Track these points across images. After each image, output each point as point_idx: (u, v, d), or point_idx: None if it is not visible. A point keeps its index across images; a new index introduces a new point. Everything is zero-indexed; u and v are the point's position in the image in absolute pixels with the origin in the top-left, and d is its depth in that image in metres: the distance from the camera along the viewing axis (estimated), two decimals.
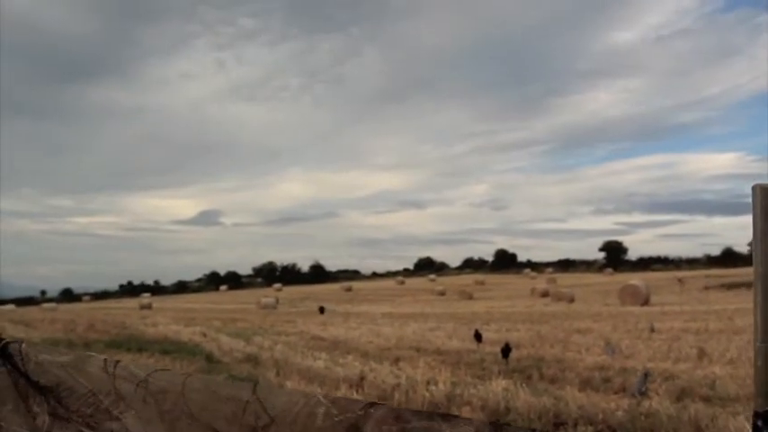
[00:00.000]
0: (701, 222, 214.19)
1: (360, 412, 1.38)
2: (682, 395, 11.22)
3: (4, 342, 2.23)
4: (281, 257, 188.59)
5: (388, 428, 1.33)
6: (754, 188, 1.47)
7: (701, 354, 15.26)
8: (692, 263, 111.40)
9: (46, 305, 72.63)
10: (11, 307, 69.02)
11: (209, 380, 1.69)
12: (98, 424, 1.91)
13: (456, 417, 1.29)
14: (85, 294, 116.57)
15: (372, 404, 1.39)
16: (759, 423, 1.37)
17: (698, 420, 9.34)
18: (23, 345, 2.19)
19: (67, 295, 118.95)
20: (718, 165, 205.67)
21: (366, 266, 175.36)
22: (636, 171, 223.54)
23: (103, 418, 1.89)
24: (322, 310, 39.65)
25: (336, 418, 1.40)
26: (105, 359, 1.92)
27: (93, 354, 2.04)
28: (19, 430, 2.17)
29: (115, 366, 1.89)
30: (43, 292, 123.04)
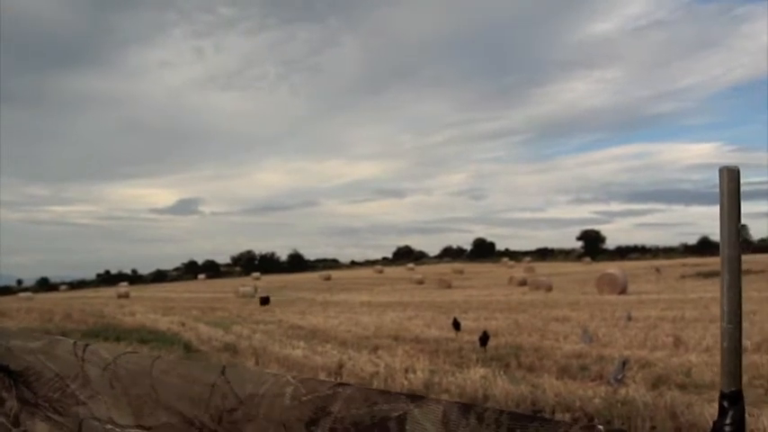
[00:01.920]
0: (678, 212, 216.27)
1: (328, 392, 1.38)
2: (658, 382, 11.31)
3: None
4: (260, 246, 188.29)
5: (357, 408, 1.32)
6: (720, 170, 1.47)
7: (678, 342, 15.39)
8: (668, 252, 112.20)
9: (22, 294, 72.06)
10: None
11: (177, 362, 1.68)
12: (65, 409, 1.89)
13: (424, 398, 1.29)
14: (62, 284, 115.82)
15: (341, 384, 1.39)
16: (725, 403, 1.38)
17: (674, 407, 9.42)
18: None
19: (44, 284, 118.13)
20: (695, 155, 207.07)
21: (345, 255, 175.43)
22: (613, 161, 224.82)
23: (70, 403, 1.87)
24: (265, 300, 36.66)
25: (304, 398, 1.39)
26: (75, 342, 1.90)
27: (63, 338, 2.02)
28: None
29: (84, 350, 1.86)
30: (19, 282, 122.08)
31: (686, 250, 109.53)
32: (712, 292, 36.89)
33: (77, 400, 1.85)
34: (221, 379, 1.54)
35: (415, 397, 1.30)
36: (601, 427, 1.11)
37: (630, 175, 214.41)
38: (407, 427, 1.26)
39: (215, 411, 1.52)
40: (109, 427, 1.75)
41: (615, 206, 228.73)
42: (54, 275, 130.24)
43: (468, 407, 1.23)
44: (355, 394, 1.34)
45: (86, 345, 1.86)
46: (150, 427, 1.66)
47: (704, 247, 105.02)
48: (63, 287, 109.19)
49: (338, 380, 11.99)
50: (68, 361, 1.89)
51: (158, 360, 1.70)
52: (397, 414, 1.28)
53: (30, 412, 2.02)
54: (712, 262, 69.84)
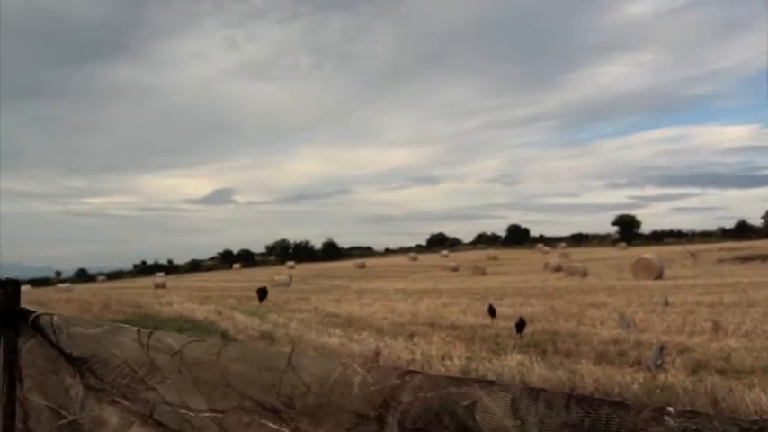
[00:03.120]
0: (714, 195, 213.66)
1: (396, 380, 1.40)
2: (697, 368, 11.23)
3: (35, 315, 2.25)
4: (294, 235, 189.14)
5: (425, 395, 1.34)
6: None
7: (716, 327, 15.24)
8: (705, 236, 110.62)
9: (61, 285, 72.99)
10: (26, 288, 69.18)
11: (244, 350, 1.71)
12: (134, 394, 1.93)
13: (493, 383, 1.31)
14: (100, 274, 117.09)
15: (409, 372, 1.40)
16: None
17: (714, 393, 9.35)
18: (55, 317, 2.21)
19: (82, 275, 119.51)
20: (731, 137, 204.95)
21: (379, 243, 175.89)
22: (649, 144, 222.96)
23: (140, 389, 1.91)
24: (262, 293, 29.40)
25: (373, 387, 1.42)
26: (139, 330, 1.94)
27: (125, 325, 2.06)
28: (54, 402, 2.19)
29: (149, 337, 1.91)
30: (58, 273, 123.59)
31: (723, 234, 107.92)
32: (750, 276, 36.49)
33: (147, 385, 1.89)
34: (289, 366, 1.56)
35: (483, 382, 1.31)
36: (671, 408, 1.12)
37: (666, 159, 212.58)
38: (477, 415, 1.28)
39: (286, 397, 1.55)
40: (182, 411, 1.79)
41: (650, 190, 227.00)
42: (91, 266, 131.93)
43: (536, 392, 1.25)
44: (424, 382, 1.36)
45: (151, 332, 1.90)
46: (224, 411, 1.69)
47: (741, 231, 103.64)
48: (100, 278, 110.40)
49: None
50: (133, 348, 1.93)
51: (225, 348, 1.73)
52: (466, 402, 1.29)
53: (97, 398, 2.06)
54: (750, 246, 69.13)
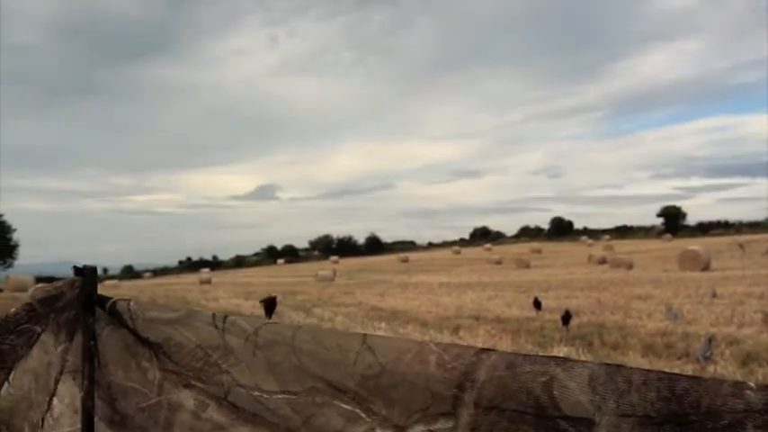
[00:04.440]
0: (762, 185, 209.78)
1: (472, 358, 1.41)
2: (747, 360, 11.09)
3: (112, 300, 2.31)
4: (337, 230, 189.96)
5: (501, 374, 1.36)
6: None
7: (766, 318, 14.99)
8: (753, 226, 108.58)
9: (108, 282, 73.93)
10: None
11: (318, 331, 1.74)
12: (209, 377, 1.97)
13: (569, 360, 1.32)
14: (146, 271, 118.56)
15: (485, 350, 1.42)
16: None
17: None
18: (131, 303, 2.27)
19: (129, 272, 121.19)
20: None
21: (421, 237, 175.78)
22: (694, 134, 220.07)
23: (214, 372, 1.95)
24: (270, 306, 22.34)
25: (449, 365, 1.44)
26: (214, 314, 1.98)
27: (200, 309, 2.11)
28: (133, 385, 2.25)
29: (224, 321, 1.95)
30: (105, 270, 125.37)
31: None
32: None
33: (220, 368, 1.93)
34: (363, 347, 1.59)
35: (559, 359, 1.32)
36: (752, 384, 1.12)
37: (712, 149, 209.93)
38: (555, 392, 1.29)
39: (359, 377, 1.57)
40: (256, 393, 1.82)
41: (696, 181, 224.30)
42: (138, 263, 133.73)
43: (615, 368, 1.26)
44: (499, 360, 1.38)
45: (226, 316, 1.94)
46: (297, 392, 1.72)
47: None
48: (147, 274, 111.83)
49: None
50: (208, 331, 1.98)
51: (299, 330, 1.76)
52: (543, 378, 1.31)
53: (173, 381, 2.11)
54: None
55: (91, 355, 2.33)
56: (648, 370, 1.23)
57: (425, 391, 1.46)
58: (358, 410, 1.61)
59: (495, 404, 1.36)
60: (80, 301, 2.33)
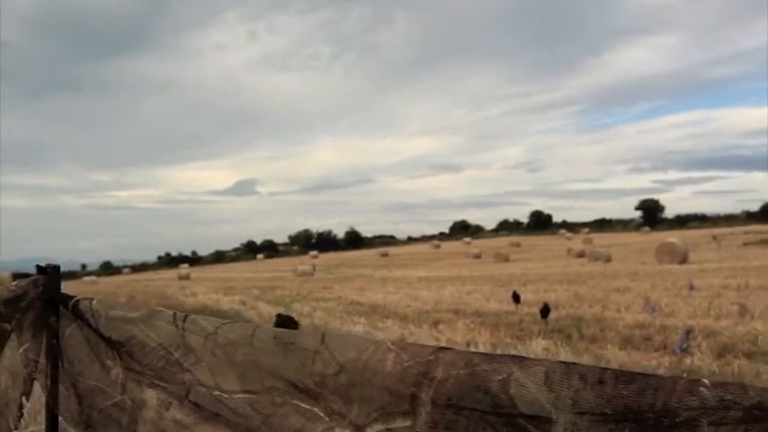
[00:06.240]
0: (738, 178, 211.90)
1: (429, 357, 1.41)
2: (724, 351, 11.19)
3: (75, 299, 2.29)
4: (317, 225, 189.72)
5: (458, 372, 1.36)
6: None
7: (742, 310, 15.13)
8: (730, 219, 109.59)
9: (86, 278, 73.46)
10: None
11: (277, 331, 1.73)
12: (170, 376, 1.96)
13: (525, 358, 1.32)
14: (125, 267, 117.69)
15: (441, 349, 1.41)
16: None
17: (741, 376, 9.32)
18: (94, 302, 2.25)
19: (107, 268, 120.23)
20: (755, 119, 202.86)
21: (401, 231, 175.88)
22: (672, 128, 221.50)
23: (175, 371, 1.94)
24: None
25: (406, 363, 1.43)
26: (174, 313, 1.97)
27: (163, 309, 2.09)
28: (97, 384, 2.23)
29: (184, 320, 1.93)
30: (84, 266, 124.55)
31: (748, 217, 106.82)
32: None
33: (182, 367, 1.92)
34: (322, 346, 1.58)
35: (516, 357, 1.32)
36: (706, 381, 1.12)
37: (689, 143, 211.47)
38: (512, 389, 1.29)
39: (318, 376, 1.56)
40: (216, 392, 1.81)
41: (674, 174, 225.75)
42: (117, 259, 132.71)
43: (570, 366, 1.25)
44: (456, 358, 1.37)
45: (186, 315, 1.93)
46: (256, 392, 1.71)
47: (766, 213, 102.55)
48: (126, 270, 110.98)
49: None
50: (169, 331, 1.96)
51: (259, 329, 1.75)
52: (500, 377, 1.31)
53: (136, 380, 2.09)
54: None
55: (54, 355, 2.31)
56: (604, 368, 1.23)
57: (383, 389, 1.46)
58: (317, 410, 1.60)
59: (453, 402, 1.36)
60: (43, 300, 2.31)
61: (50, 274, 2.35)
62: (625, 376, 1.20)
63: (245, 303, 24.21)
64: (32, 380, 2.34)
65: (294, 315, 19.26)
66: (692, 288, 20.67)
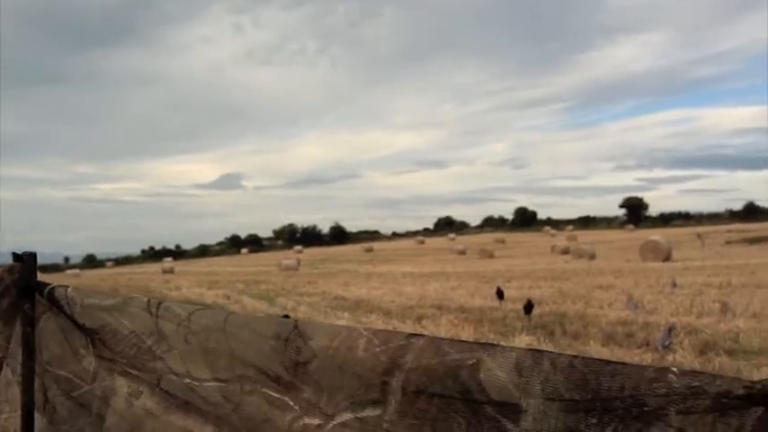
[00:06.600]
0: (722, 177, 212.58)
1: (401, 342, 1.40)
2: (705, 349, 11.24)
3: (50, 287, 2.28)
4: (302, 219, 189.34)
5: (430, 359, 1.35)
6: None
7: (724, 308, 15.20)
8: (713, 218, 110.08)
9: (69, 272, 73.09)
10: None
11: (250, 318, 1.72)
12: (142, 364, 1.95)
13: (496, 345, 1.31)
14: (108, 260, 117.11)
15: (413, 335, 1.41)
16: None
17: (722, 373, 9.36)
18: (69, 289, 2.23)
19: (91, 261, 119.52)
20: (739, 118, 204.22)
21: (386, 227, 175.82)
22: (657, 126, 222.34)
23: (147, 359, 1.93)
24: None
25: (378, 349, 1.42)
26: (148, 300, 1.96)
27: (137, 296, 2.08)
28: (70, 371, 2.22)
29: (158, 307, 1.92)
30: (67, 259, 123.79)
31: (731, 216, 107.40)
32: (759, 257, 36.39)
33: (154, 355, 1.90)
34: (294, 333, 1.57)
35: (486, 345, 1.32)
36: (675, 369, 1.12)
37: (674, 141, 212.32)
38: (481, 375, 1.29)
39: (290, 363, 1.56)
40: (187, 380, 1.80)
41: (658, 172, 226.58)
42: (100, 252, 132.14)
43: (541, 353, 1.25)
44: (427, 345, 1.37)
45: (160, 302, 1.92)
46: (227, 380, 1.70)
47: (750, 212, 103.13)
48: (109, 263, 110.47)
49: None
50: (143, 318, 1.95)
51: (231, 315, 1.74)
52: (470, 363, 1.30)
53: (108, 368, 2.08)
54: (758, 228, 68.88)
55: (28, 341, 2.30)
56: (573, 355, 1.23)
57: (354, 376, 1.45)
58: (286, 398, 1.60)
59: (422, 389, 1.35)
60: (18, 287, 2.29)
61: (27, 262, 2.34)
62: (595, 363, 1.20)
63: (229, 297, 24.16)
64: (1, 365, 2.32)
65: (278, 310, 19.27)
66: (675, 285, 20.76)
